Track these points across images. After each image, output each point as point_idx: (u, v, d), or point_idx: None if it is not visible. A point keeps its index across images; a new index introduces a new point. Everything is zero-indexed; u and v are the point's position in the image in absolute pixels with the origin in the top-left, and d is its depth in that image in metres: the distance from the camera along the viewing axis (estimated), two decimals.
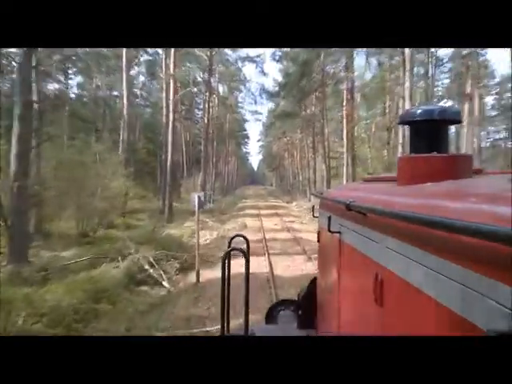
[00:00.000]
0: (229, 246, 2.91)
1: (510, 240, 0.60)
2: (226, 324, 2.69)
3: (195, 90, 32.86)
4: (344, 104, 24.92)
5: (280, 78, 35.20)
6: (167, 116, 20.40)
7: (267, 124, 57.25)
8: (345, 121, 24.12)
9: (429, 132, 1.50)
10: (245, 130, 71.36)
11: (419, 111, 1.49)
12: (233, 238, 3.12)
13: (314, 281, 3.35)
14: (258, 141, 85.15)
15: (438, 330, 0.96)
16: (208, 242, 14.93)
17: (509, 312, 0.68)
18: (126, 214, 19.69)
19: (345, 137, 24.26)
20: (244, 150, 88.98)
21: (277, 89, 35.36)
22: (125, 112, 21.57)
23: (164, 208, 20.44)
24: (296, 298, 3.72)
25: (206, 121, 27.35)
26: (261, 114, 69.45)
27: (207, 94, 27.88)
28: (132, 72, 30.24)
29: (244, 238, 3.03)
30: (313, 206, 3.25)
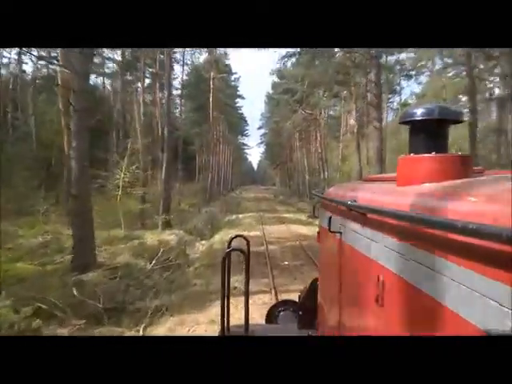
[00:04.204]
0: (229, 247, 2.91)
1: (509, 240, 0.60)
2: (226, 324, 2.70)
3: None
4: None
5: None
6: None
7: (278, 73, 35.44)
8: None
9: (429, 132, 1.50)
10: (241, 114, 51.09)
11: (419, 110, 1.49)
12: (233, 238, 3.12)
13: (314, 281, 3.35)
14: (259, 128, 62.12)
15: (438, 329, 0.96)
16: None
17: (509, 312, 0.68)
18: None
19: None
20: (241, 141, 66.81)
21: None
22: None
23: None
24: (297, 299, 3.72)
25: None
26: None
27: None
28: None
29: (244, 238, 3.04)
30: (313, 206, 3.24)
